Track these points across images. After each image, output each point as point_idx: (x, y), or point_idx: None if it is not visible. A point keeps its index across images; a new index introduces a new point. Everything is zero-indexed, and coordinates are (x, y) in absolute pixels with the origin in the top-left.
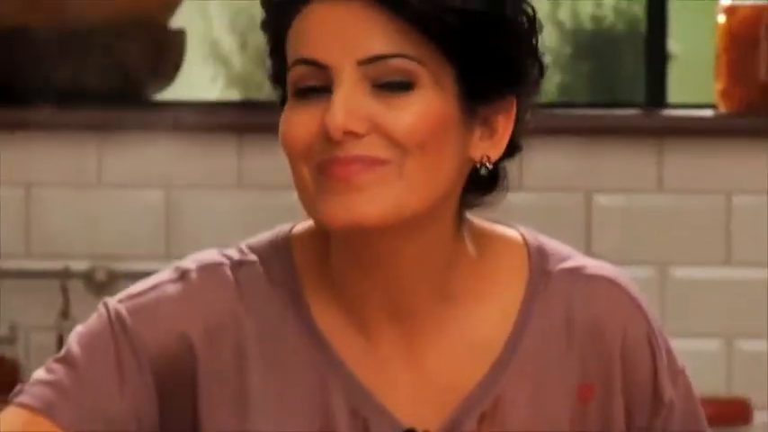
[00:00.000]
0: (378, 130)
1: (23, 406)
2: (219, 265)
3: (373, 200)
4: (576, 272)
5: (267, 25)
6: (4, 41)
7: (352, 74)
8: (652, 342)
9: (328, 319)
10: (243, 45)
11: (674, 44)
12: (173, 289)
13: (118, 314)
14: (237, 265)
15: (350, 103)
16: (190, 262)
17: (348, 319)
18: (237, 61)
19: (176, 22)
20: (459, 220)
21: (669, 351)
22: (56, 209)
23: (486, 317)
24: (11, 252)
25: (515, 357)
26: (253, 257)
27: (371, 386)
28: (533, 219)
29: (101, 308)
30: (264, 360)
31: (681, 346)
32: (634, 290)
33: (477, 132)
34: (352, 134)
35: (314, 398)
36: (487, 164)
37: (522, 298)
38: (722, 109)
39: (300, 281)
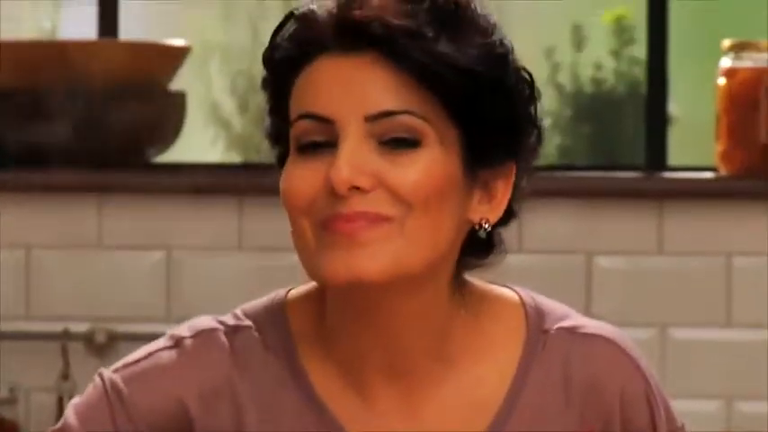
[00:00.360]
0: (383, 185)
1: None
2: (214, 330)
3: (375, 256)
4: (573, 331)
5: (268, 83)
6: (5, 101)
7: (359, 129)
8: (650, 400)
9: (325, 383)
10: (243, 107)
11: (674, 106)
12: (167, 356)
13: (113, 384)
14: (232, 331)
15: (356, 158)
16: (184, 329)
17: (345, 381)
18: (238, 123)
19: (177, 84)
20: (457, 281)
21: (668, 409)
22: (56, 271)
23: (484, 376)
24: (11, 314)
25: (513, 415)
26: (248, 323)
27: None
28: (533, 281)
29: (96, 379)
30: (262, 426)
31: (681, 407)
32: (632, 349)
33: (477, 196)
34: (357, 189)
35: None
36: (486, 227)
37: (519, 357)
38: (723, 171)
39: (296, 346)
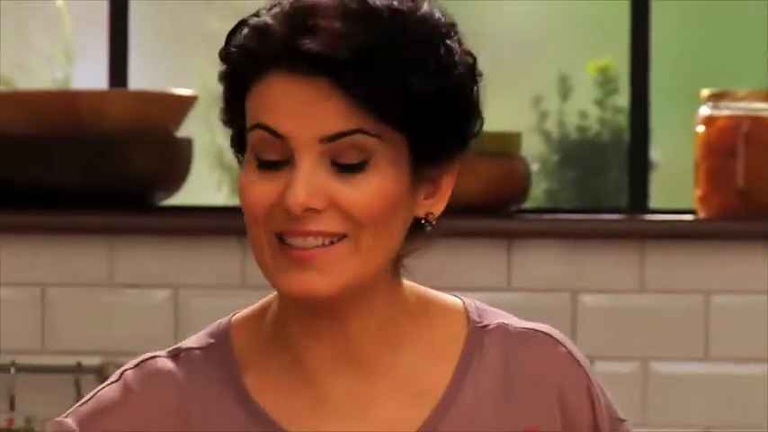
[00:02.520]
0: (335, 206)
1: None
2: (155, 357)
3: (331, 277)
4: (512, 328)
5: (225, 77)
6: (21, 147)
7: (313, 151)
8: (591, 391)
9: (266, 392)
10: None
11: (655, 153)
12: (114, 390)
13: (65, 427)
14: (174, 354)
15: (311, 182)
16: (131, 362)
17: (290, 385)
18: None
19: (184, 131)
20: (396, 268)
21: (608, 399)
22: (69, 308)
23: (427, 365)
24: (27, 348)
25: (453, 406)
26: (190, 345)
27: None
28: (521, 317)
29: (49, 427)
30: None
31: None
32: (569, 344)
33: (423, 192)
34: (311, 210)
35: None
36: (431, 220)
37: (460, 351)
38: (701, 214)
39: (239, 364)
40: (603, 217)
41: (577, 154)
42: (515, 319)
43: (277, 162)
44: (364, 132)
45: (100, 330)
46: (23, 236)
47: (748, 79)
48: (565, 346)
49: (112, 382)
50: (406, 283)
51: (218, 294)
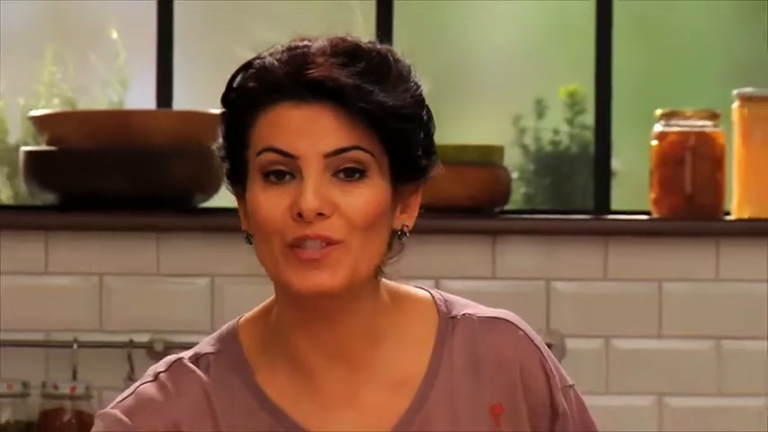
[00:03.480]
0: (338, 212)
1: None
2: (180, 359)
3: (332, 275)
4: (476, 316)
5: (226, 118)
6: (82, 159)
7: (319, 164)
8: (545, 367)
9: (275, 386)
10: None
11: (616, 163)
12: (150, 388)
13: (116, 418)
14: (195, 359)
15: (319, 190)
16: (160, 364)
17: (293, 379)
18: None
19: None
20: (377, 276)
21: (559, 371)
22: (123, 293)
23: (406, 356)
24: (86, 327)
25: (432, 390)
26: (206, 350)
27: (317, 429)
28: (504, 301)
29: (98, 420)
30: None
31: (621, 402)
32: (525, 326)
33: (399, 208)
34: (320, 215)
35: None
36: (406, 231)
37: (434, 340)
38: (655, 215)
39: (248, 361)
40: (572, 217)
41: (550, 164)
42: (479, 307)
43: (283, 177)
44: (361, 149)
45: (148, 312)
46: (85, 233)
47: (695, 101)
48: (523, 330)
49: (148, 381)
50: (381, 281)
51: (247, 282)
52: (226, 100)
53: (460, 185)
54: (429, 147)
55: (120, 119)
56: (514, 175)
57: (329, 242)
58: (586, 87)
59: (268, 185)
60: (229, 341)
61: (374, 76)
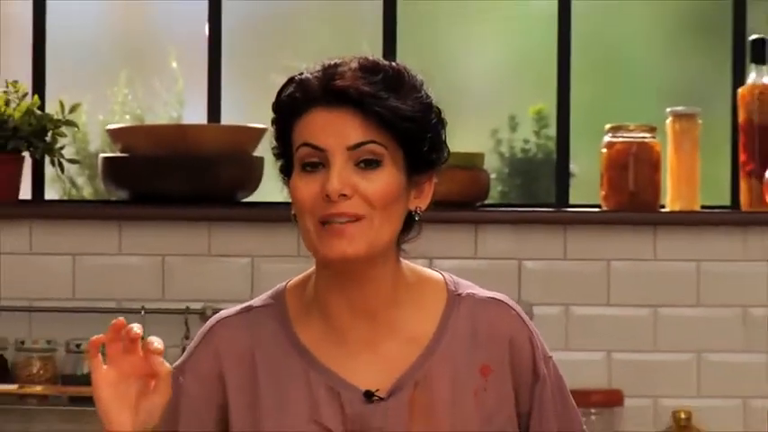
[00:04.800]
0: (358, 193)
1: None
2: (232, 314)
3: (355, 245)
4: (478, 296)
5: (276, 122)
6: (148, 164)
7: (342, 156)
8: (532, 341)
9: (310, 335)
10: None
11: (574, 167)
12: (203, 343)
13: (175, 379)
14: (247, 309)
15: (342, 176)
16: (214, 318)
17: (324, 330)
18: None
19: (258, 151)
20: (397, 252)
21: (543, 345)
22: (181, 270)
23: (418, 320)
24: (152, 298)
25: (438, 350)
26: (258, 304)
27: (341, 371)
28: (484, 277)
29: (208, 323)
30: (268, 372)
31: (578, 357)
32: (517, 308)
33: (413, 193)
34: (343, 196)
35: (302, 389)
36: (420, 212)
37: (442, 311)
38: (605, 207)
39: (290, 315)
40: (538, 210)
41: (521, 168)
42: (480, 289)
43: (316, 166)
44: (376, 143)
45: (201, 285)
46: (150, 223)
47: (636, 117)
48: (515, 310)
49: (202, 335)
50: (403, 261)
51: (281, 261)
52: (274, 108)
53: (450, 184)
54: (438, 144)
55: (178, 131)
56: (493, 176)
57: (353, 218)
58: (550, 107)
59: (304, 174)
60: (278, 298)
61: (389, 86)
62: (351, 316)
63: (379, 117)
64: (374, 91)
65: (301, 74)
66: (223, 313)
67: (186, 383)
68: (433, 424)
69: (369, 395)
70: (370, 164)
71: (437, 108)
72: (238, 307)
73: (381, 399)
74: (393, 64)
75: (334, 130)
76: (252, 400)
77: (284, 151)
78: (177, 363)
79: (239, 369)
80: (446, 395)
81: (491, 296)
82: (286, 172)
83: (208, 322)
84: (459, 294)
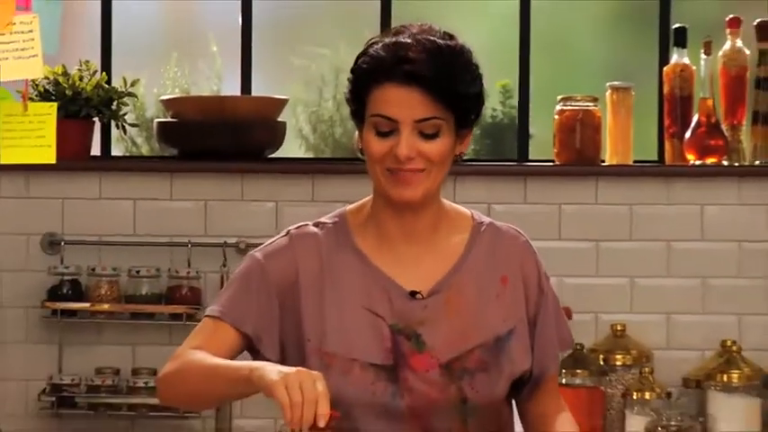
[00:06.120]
0: (421, 155)
1: (208, 317)
2: (307, 224)
3: (416, 190)
4: (497, 226)
5: (353, 83)
6: (193, 128)
7: (410, 126)
8: (537, 262)
9: (366, 245)
10: (315, 130)
11: (533, 129)
12: (284, 242)
13: (256, 258)
14: (317, 224)
15: (409, 143)
16: (293, 227)
17: (378, 243)
18: (312, 139)
19: (282, 117)
20: (440, 187)
21: (543, 268)
22: (220, 212)
23: (451, 240)
24: (196, 234)
25: (466, 263)
26: (326, 221)
27: (390, 274)
28: None
29: (246, 258)
30: (331, 275)
31: None
32: (527, 237)
33: (458, 143)
34: (409, 158)
35: (359, 284)
36: (462, 156)
37: (468, 236)
38: (557, 162)
39: (350, 230)
40: (504, 164)
41: (491, 130)
42: (498, 222)
43: (387, 133)
44: (438, 118)
45: (236, 224)
46: (195, 174)
47: (582, 89)
48: (525, 238)
49: (283, 236)
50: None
51: (299, 205)
52: (353, 72)
53: None
54: (479, 108)
55: (217, 101)
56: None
57: (416, 171)
58: (513, 82)
59: (378, 136)
60: (341, 217)
61: (449, 67)
62: (401, 234)
63: (442, 96)
64: (439, 74)
65: (374, 44)
66: (300, 224)
67: (266, 264)
68: (463, 317)
69: (413, 294)
70: (432, 134)
71: (481, 75)
72: (310, 222)
73: (423, 298)
74: (451, 43)
75: (405, 105)
76: (319, 293)
77: (356, 104)
78: (257, 250)
79: (311, 270)
80: (473, 298)
81: (508, 226)
82: (355, 117)
83: (289, 229)
84: (481, 223)
